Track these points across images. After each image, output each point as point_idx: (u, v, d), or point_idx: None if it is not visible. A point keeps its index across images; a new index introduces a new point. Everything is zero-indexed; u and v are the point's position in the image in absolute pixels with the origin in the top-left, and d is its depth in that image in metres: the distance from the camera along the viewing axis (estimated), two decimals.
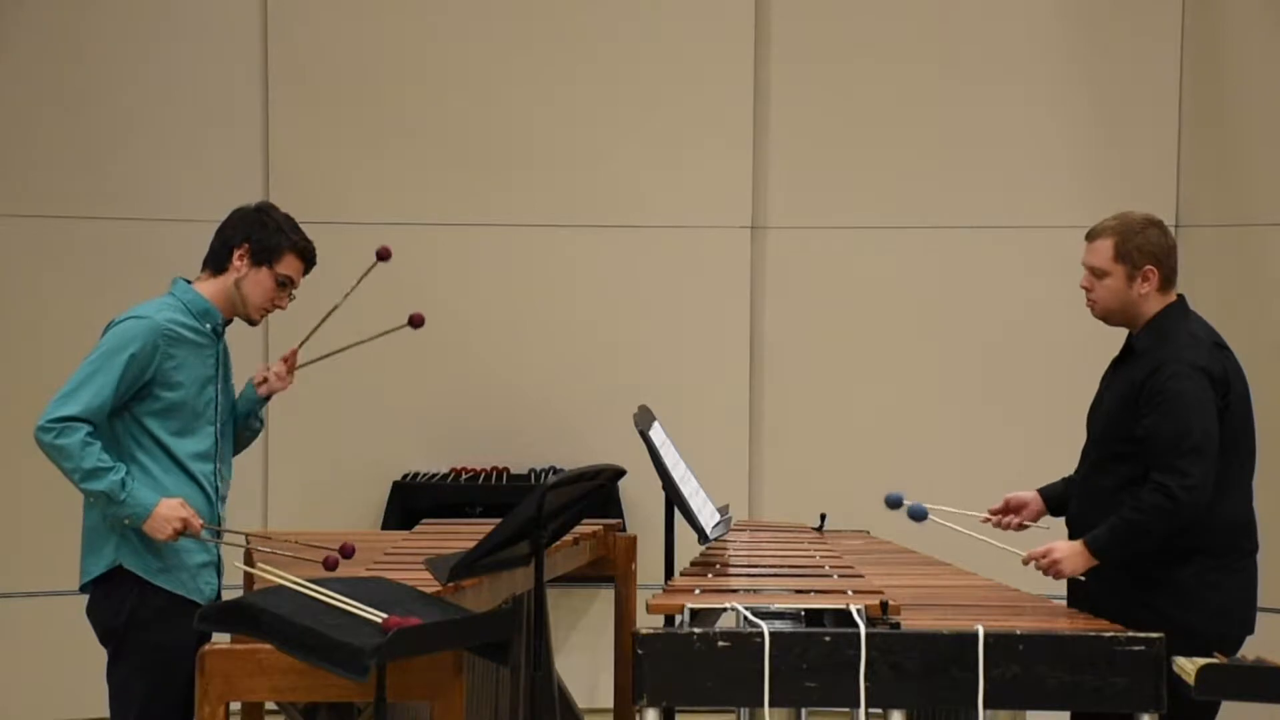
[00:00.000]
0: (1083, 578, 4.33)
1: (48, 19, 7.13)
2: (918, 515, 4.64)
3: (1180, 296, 4.55)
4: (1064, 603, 4.45)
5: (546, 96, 7.40)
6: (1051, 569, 4.30)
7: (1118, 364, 4.60)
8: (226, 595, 4.32)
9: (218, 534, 4.34)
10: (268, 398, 4.61)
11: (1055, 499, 4.75)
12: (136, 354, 4.17)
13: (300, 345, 4.61)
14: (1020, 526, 4.82)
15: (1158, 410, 4.30)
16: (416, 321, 4.74)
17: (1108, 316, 4.57)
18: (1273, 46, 7.07)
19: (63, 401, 4.11)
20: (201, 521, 4.19)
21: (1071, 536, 4.54)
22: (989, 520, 4.86)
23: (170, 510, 4.13)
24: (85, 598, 4.29)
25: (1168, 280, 4.51)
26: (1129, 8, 7.30)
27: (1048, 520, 4.76)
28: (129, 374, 4.16)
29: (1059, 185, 7.23)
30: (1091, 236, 4.55)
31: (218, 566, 4.36)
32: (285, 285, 4.41)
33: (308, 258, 4.44)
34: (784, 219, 7.44)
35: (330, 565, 4.20)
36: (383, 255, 4.70)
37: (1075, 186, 7.21)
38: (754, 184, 7.41)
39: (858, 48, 7.39)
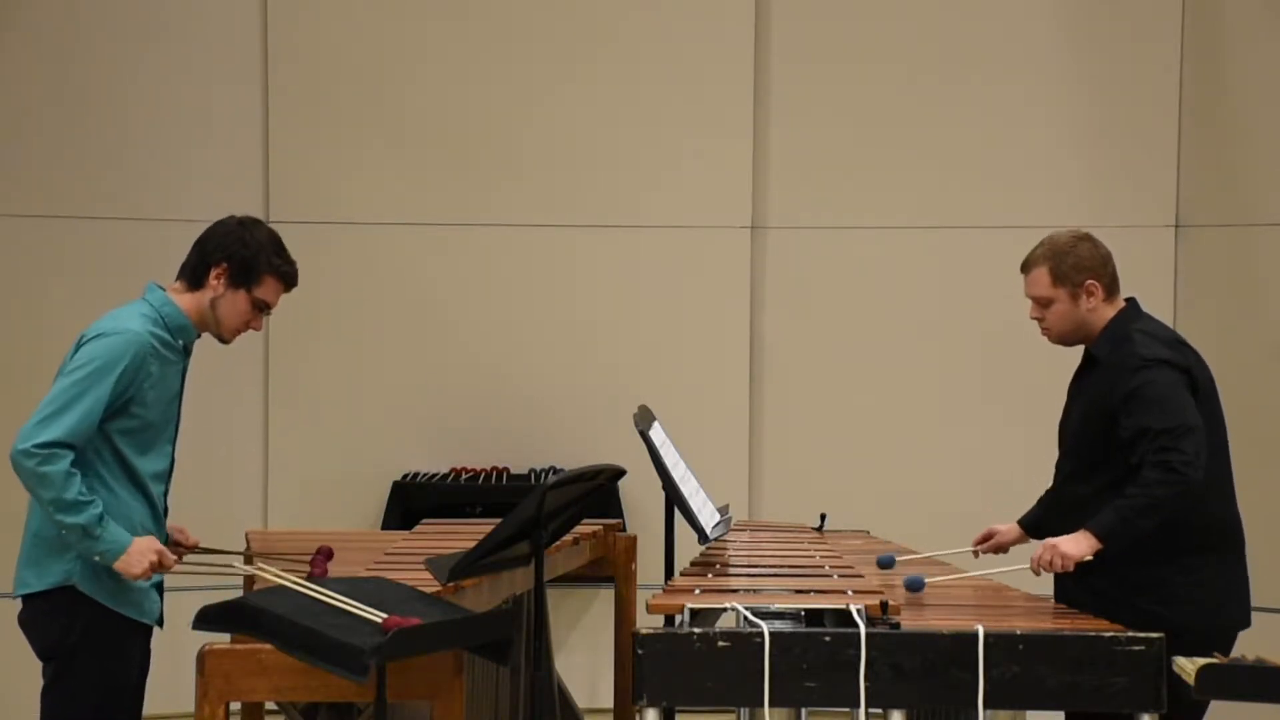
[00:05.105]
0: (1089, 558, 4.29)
1: (47, 19, 7.12)
2: (914, 586, 4.39)
3: (1130, 300, 4.56)
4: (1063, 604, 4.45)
5: (546, 96, 7.39)
6: (1057, 558, 4.28)
7: (1081, 375, 4.62)
8: (225, 596, 4.29)
9: (181, 559, 4.24)
10: None
11: (1033, 525, 4.76)
12: (124, 372, 3.99)
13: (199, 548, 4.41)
14: (999, 550, 4.85)
15: (1139, 408, 4.31)
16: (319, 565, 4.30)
17: (1064, 339, 4.60)
18: (1273, 46, 7.07)
19: (47, 424, 3.90)
20: (174, 558, 4.09)
21: None
22: (975, 551, 4.88)
23: (145, 546, 3.97)
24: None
25: (1111, 289, 4.54)
26: (1129, 8, 7.30)
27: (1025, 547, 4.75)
28: (115, 393, 3.98)
29: (1059, 185, 7.22)
30: (1026, 268, 4.58)
31: (159, 587, 4.21)
32: (262, 309, 4.22)
33: (288, 283, 4.23)
34: (784, 219, 7.44)
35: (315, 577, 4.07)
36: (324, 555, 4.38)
37: (1075, 186, 7.21)
38: (754, 184, 7.41)
39: (858, 48, 7.39)
